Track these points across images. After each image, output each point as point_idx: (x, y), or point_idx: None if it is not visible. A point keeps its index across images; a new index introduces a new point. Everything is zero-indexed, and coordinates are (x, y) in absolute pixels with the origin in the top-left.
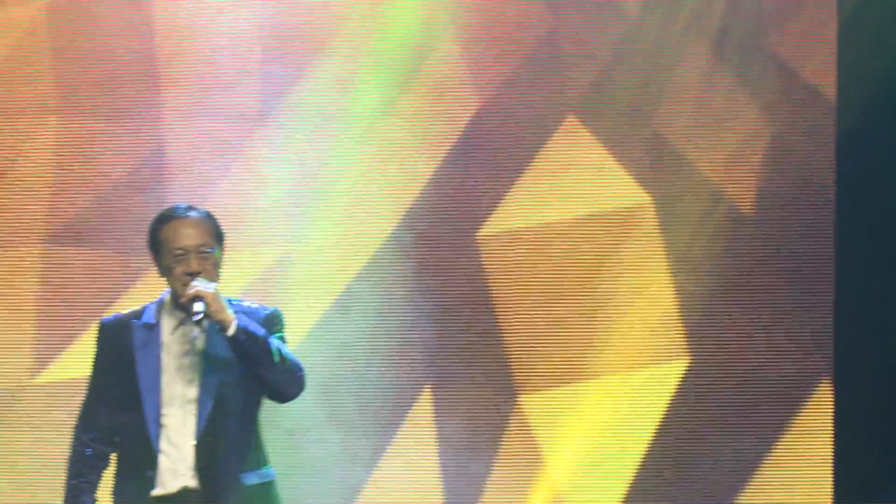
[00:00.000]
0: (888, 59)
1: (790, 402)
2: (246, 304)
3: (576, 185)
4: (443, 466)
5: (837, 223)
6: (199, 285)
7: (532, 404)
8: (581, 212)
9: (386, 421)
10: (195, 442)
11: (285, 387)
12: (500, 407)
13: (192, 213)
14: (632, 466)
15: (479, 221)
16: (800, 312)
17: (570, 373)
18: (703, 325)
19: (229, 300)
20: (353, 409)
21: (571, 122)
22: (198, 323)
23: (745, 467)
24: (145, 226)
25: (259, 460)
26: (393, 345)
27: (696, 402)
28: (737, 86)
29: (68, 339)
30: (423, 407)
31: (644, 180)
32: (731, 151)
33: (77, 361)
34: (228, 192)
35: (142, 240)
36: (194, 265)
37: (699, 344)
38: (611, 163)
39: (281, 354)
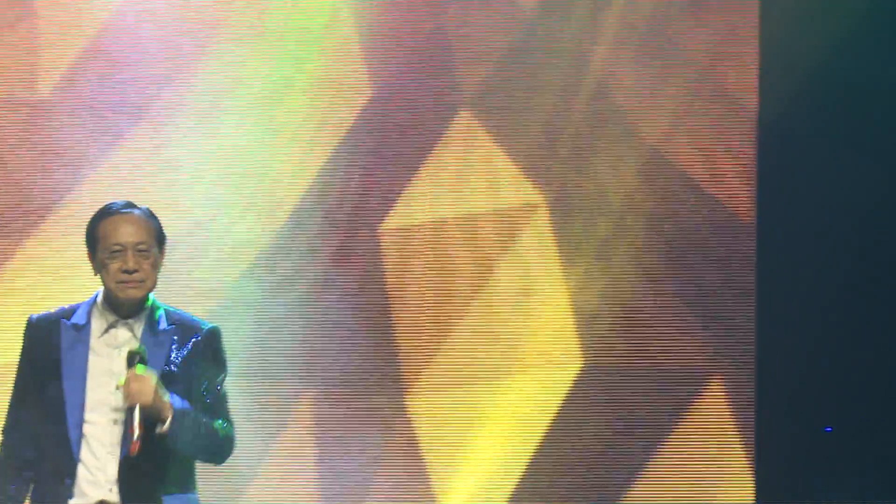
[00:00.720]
0: (809, 54)
1: (688, 402)
2: (183, 313)
3: (468, 182)
4: (322, 469)
5: (759, 223)
6: (135, 387)
7: (419, 406)
8: (474, 210)
9: (268, 420)
10: (119, 454)
11: (210, 458)
12: (386, 407)
13: (133, 210)
14: (521, 468)
15: (369, 215)
16: (710, 313)
17: (460, 375)
18: (600, 326)
19: (167, 308)
20: (236, 409)
21: (465, 116)
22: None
23: (638, 468)
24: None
25: (186, 484)
26: (280, 341)
27: (590, 404)
28: (644, 83)
29: None
30: (308, 405)
31: (537, 179)
32: (638, 151)
33: None
34: (109, 182)
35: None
36: (131, 262)
37: (595, 345)
38: (503, 160)
39: (209, 432)
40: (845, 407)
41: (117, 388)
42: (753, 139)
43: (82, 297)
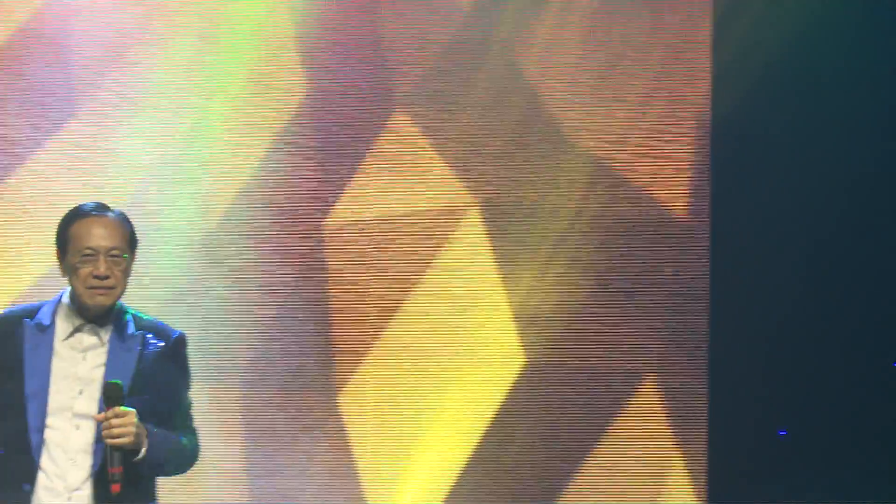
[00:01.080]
0: (764, 53)
1: (639, 404)
2: (151, 319)
3: (406, 181)
4: (250, 466)
5: (713, 225)
6: (117, 424)
7: (352, 405)
8: (411, 208)
9: (198, 416)
10: (90, 470)
11: (174, 474)
12: (319, 405)
13: (108, 213)
14: (457, 469)
15: (305, 212)
16: (662, 314)
17: (395, 374)
18: (540, 325)
19: (135, 313)
20: None
21: (401, 115)
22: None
23: (587, 470)
24: None
25: (147, 493)
26: (216, 336)
27: (529, 404)
28: (588, 82)
29: None
30: (240, 401)
31: (473, 180)
32: (580, 152)
33: None
34: (43, 171)
35: None
36: (102, 268)
37: (535, 344)
38: (439, 160)
39: (179, 450)
40: (799, 410)
41: (95, 420)
42: (706, 139)
43: (14, 290)
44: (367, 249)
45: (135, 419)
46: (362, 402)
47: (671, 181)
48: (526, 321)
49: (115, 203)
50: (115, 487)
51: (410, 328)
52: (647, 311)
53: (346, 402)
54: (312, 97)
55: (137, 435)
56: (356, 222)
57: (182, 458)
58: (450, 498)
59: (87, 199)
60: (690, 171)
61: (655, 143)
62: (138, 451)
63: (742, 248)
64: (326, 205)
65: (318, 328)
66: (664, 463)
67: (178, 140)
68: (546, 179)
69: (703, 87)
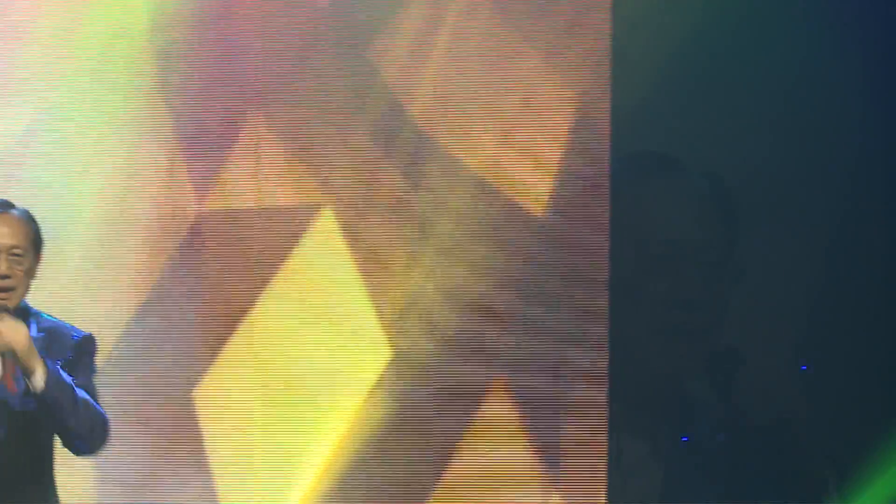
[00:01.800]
0: (662, 54)
1: (537, 405)
2: (55, 320)
3: (265, 177)
4: (98, 466)
5: (612, 226)
6: (5, 329)
7: (208, 399)
8: (269, 203)
9: None
10: None
11: (90, 435)
12: (174, 399)
13: (10, 211)
14: (316, 467)
15: (165, 207)
16: (561, 312)
17: (254, 367)
18: (412, 321)
19: (39, 314)
20: None
21: (256, 118)
22: None
23: (481, 469)
24: None
25: (46, 497)
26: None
27: (394, 401)
28: (453, 83)
29: None
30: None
31: (323, 181)
32: (441, 156)
33: None
34: None
35: None
36: (3, 266)
37: (400, 340)
38: (294, 158)
39: (89, 405)
40: (701, 413)
41: None
42: (605, 139)
43: None
44: (234, 241)
45: (26, 331)
46: (220, 394)
47: (545, 182)
48: (395, 316)
49: None
50: (10, 384)
51: (270, 322)
52: (548, 311)
53: (206, 393)
54: (172, 90)
55: (30, 350)
56: (225, 213)
57: (91, 413)
58: (311, 496)
59: None
60: (562, 168)
61: (522, 142)
62: (31, 375)
63: (641, 244)
64: (194, 197)
65: (187, 319)
66: (560, 468)
67: (43, 129)
68: (409, 179)
69: (595, 89)
